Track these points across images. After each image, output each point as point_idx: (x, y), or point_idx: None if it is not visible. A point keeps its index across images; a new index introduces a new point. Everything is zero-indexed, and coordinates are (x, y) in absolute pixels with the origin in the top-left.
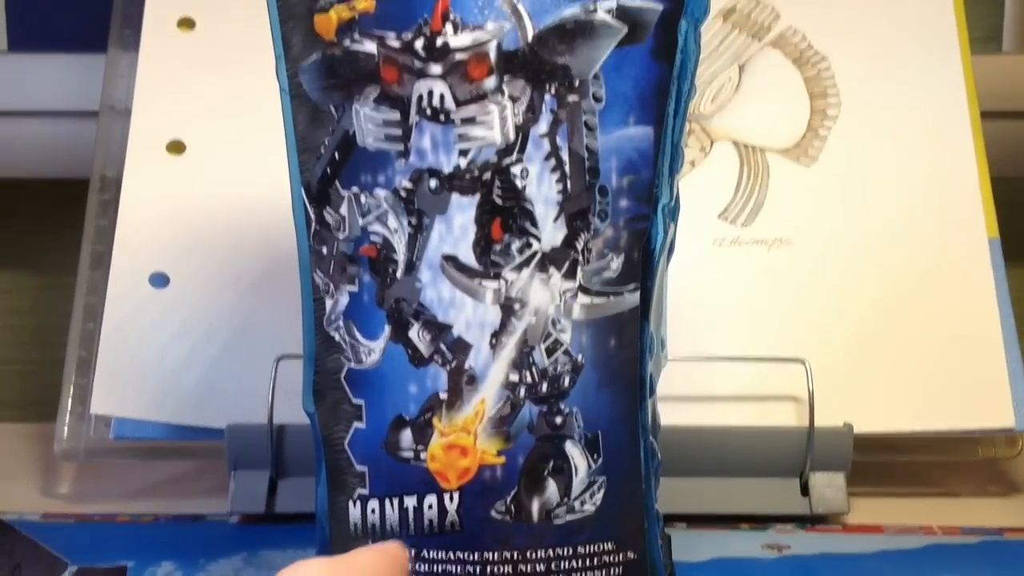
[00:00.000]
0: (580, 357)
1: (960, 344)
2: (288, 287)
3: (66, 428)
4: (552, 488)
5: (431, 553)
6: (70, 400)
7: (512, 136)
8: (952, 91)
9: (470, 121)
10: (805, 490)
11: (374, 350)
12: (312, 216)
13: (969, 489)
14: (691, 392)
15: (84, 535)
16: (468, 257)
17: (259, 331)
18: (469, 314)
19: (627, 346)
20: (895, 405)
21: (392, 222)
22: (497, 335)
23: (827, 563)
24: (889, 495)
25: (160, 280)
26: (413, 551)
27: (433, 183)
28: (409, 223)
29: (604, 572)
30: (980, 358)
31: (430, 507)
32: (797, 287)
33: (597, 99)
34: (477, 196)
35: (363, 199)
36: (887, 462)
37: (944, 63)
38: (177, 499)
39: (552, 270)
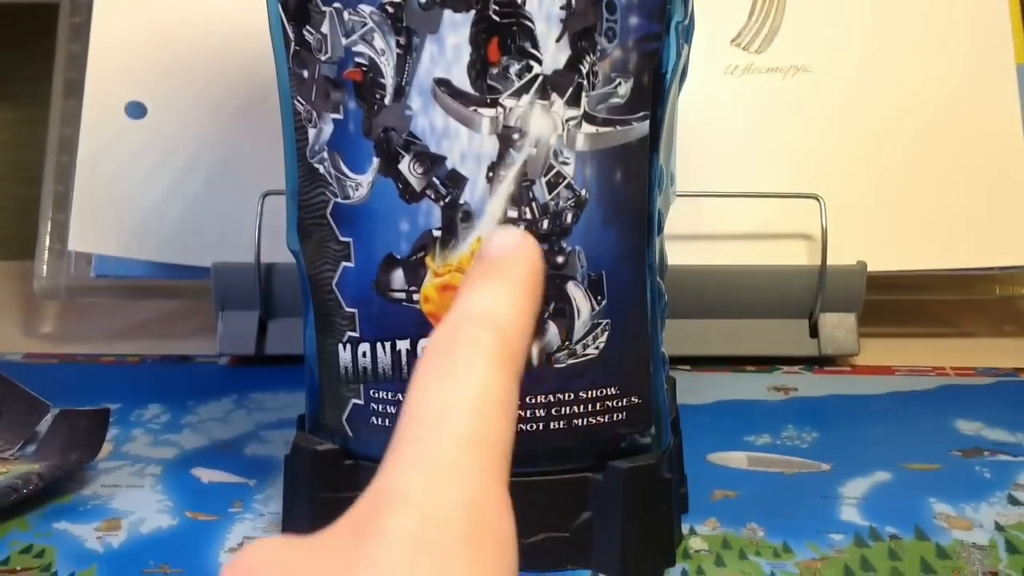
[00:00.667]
0: (584, 191)
1: (982, 177)
2: (275, 116)
3: (45, 265)
4: (553, 331)
5: None
6: (48, 236)
7: None
8: None
9: None
10: (814, 331)
11: (362, 184)
12: (291, 35)
13: (984, 329)
14: (699, 230)
15: (68, 376)
16: (462, 81)
17: (244, 164)
18: (464, 145)
19: (634, 180)
20: (912, 242)
21: (378, 42)
22: (494, 167)
23: (835, 405)
24: (901, 335)
25: (137, 109)
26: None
27: None
28: (397, 43)
29: (607, 417)
30: (1002, 192)
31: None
32: (813, 118)
33: None
34: (472, 12)
35: (346, 15)
36: (900, 301)
37: None
38: (164, 340)
39: (554, 96)
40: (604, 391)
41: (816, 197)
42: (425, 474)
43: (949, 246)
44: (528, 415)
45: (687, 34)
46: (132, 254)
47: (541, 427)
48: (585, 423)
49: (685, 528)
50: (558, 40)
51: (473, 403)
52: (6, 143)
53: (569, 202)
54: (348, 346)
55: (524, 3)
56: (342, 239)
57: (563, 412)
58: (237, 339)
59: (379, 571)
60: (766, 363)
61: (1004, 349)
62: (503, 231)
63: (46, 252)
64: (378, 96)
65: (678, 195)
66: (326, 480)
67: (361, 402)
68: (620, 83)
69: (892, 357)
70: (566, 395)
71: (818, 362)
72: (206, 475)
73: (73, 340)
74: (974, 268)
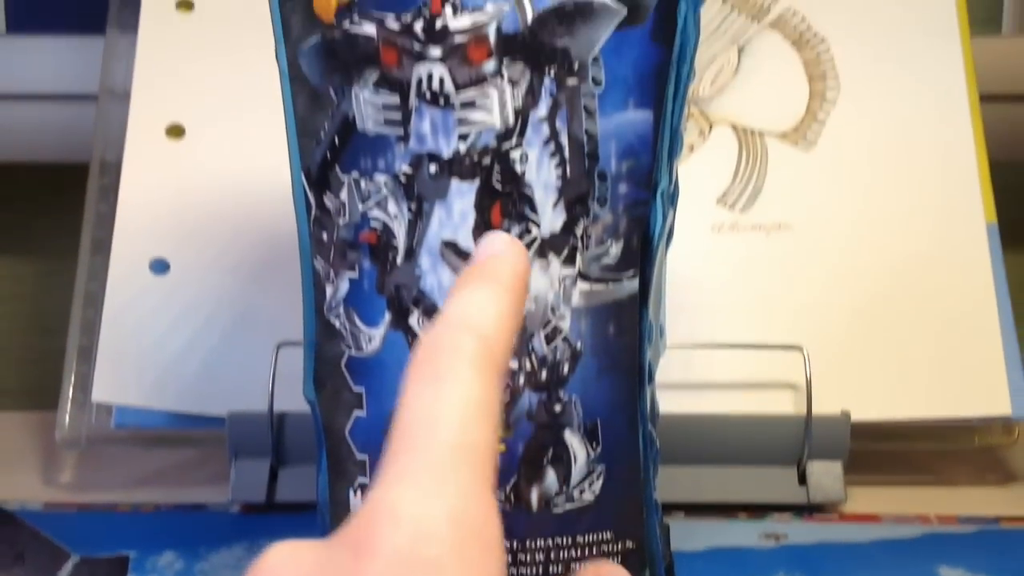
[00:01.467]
0: (579, 344)
1: (957, 331)
2: (288, 273)
3: (68, 416)
4: (551, 477)
5: None
6: (71, 388)
7: (512, 120)
8: (951, 74)
9: (470, 105)
10: (803, 478)
11: (374, 337)
12: (312, 201)
13: (966, 478)
14: (689, 379)
15: (86, 524)
16: (468, 243)
17: (259, 318)
18: None
19: (626, 333)
20: (892, 392)
21: (392, 207)
22: None
23: (825, 552)
24: (886, 483)
25: (160, 266)
26: None
27: (433, 168)
28: (409, 208)
29: None
30: (977, 345)
31: None
32: (795, 273)
33: (596, 82)
34: (477, 181)
35: (363, 184)
36: (884, 450)
37: (943, 45)
38: (178, 487)
39: (551, 256)
40: (600, 535)
41: (800, 348)
42: (413, 487)
43: (928, 396)
44: (527, 559)
45: (672, 200)
46: (152, 404)
47: (540, 571)
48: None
49: None
50: (555, 206)
51: (457, 409)
52: (27, 295)
53: (565, 354)
54: (359, 491)
55: (523, 173)
56: (355, 389)
57: (561, 556)
58: (249, 487)
59: None
60: (757, 510)
61: (986, 497)
62: (491, 235)
63: (69, 403)
64: (391, 256)
65: (668, 347)
66: None
67: None
68: (611, 244)
69: (878, 504)
70: (564, 539)
71: (807, 509)
72: None
73: (91, 489)
74: (953, 418)
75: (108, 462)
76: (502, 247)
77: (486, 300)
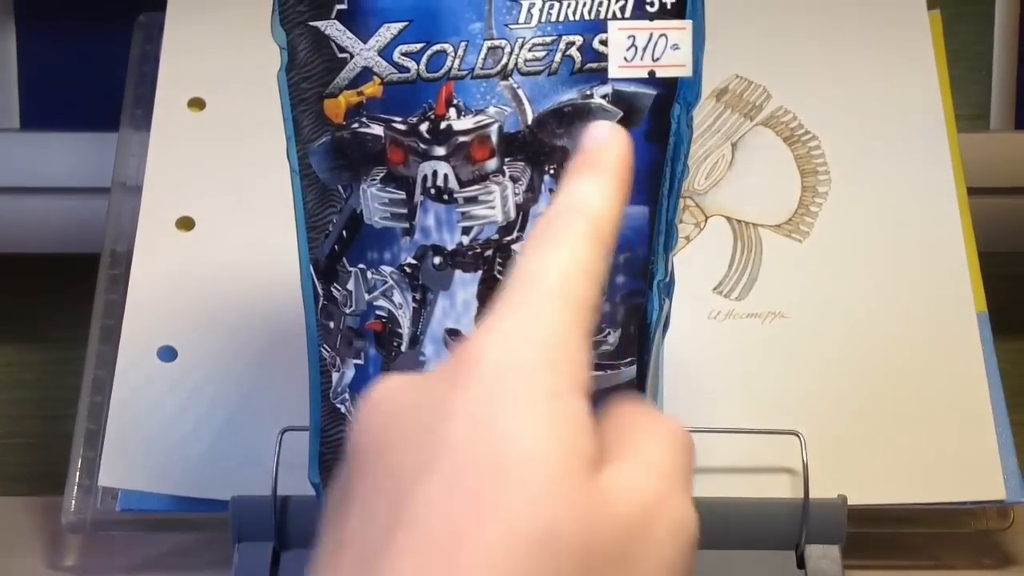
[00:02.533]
0: None
1: (951, 417)
2: (292, 361)
3: (73, 500)
4: None
5: None
6: (78, 472)
7: (513, 214)
8: (940, 168)
9: (472, 201)
10: (801, 562)
11: None
12: (320, 291)
13: (964, 562)
14: None
15: None
16: (470, 331)
17: (264, 404)
18: None
19: None
20: (888, 477)
21: (397, 297)
22: None
23: None
24: (884, 568)
25: (168, 354)
26: None
27: (437, 260)
28: (413, 298)
29: None
30: (970, 431)
31: None
32: (791, 360)
33: None
34: (479, 272)
35: (369, 275)
36: (882, 534)
37: (932, 141)
38: (182, 572)
39: None
40: None
41: (796, 433)
42: (516, 315)
43: (923, 481)
44: None
45: (668, 290)
46: (157, 488)
47: None
48: None
49: None
50: None
51: (562, 266)
52: (34, 382)
53: None
54: None
55: None
56: None
57: None
58: (251, 570)
59: (472, 391)
60: None
61: None
62: (597, 125)
63: (75, 488)
64: (395, 344)
65: None
66: None
67: None
68: (609, 333)
69: None
70: None
71: None
72: None
73: (95, 573)
74: (948, 502)
75: (112, 546)
76: (606, 134)
77: (595, 186)
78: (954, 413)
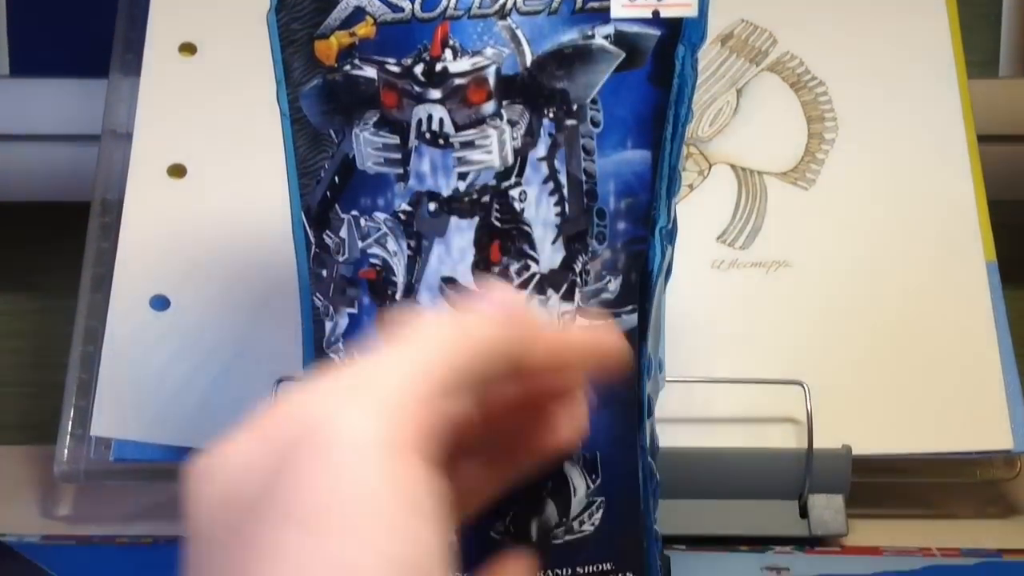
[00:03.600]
0: None
1: (958, 366)
2: (287, 309)
3: (66, 450)
4: (551, 509)
5: None
6: (70, 422)
7: (511, 160)
8: (949, 115)
9: (469, 145)
10: (804, 512)
11: None
12: (312, 239)
13: (968, 511)
14: (689, 414)
15: (84, 557)
16: (467, 279)
17: (259, 353)
18: None
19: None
20: (893, 427)
21: (391, 245)
22: None
23: None
24: (888, 516)
25: (160, 303)
26: None
27: (432, 206)
28: (408, 246)
29: None
30: (978, 380)
31: None
32: (795, 309)
33: (595, 123)
34: (476, 219)
35: (362, 222)
36: (886, 484)
37: (941, 87)
38: (177, 521)
39: (550, 292)
40: (600, 567)
41: (800, 383)
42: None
43: (929, 431)
44: None
45: (671, 237)
46: (151, 439)
47: None
48: None
49: None
50: (553, 242)
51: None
52: (27, 331)
53: None
54: None
55: (523, 211)
56: None
57: None
58: None
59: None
60: (758, 543)
61: (988, 530)
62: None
63: (68, 437)
64: (390, 293)
65: (668, 380)
66: None
67: None
68: (610, 280)
69: (880, 538)
70: (564, 571)
71: (808, 542)
72: None
73: (90, 522)
74: (954, 452)
75: (106, 496)
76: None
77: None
78: (961, 362)
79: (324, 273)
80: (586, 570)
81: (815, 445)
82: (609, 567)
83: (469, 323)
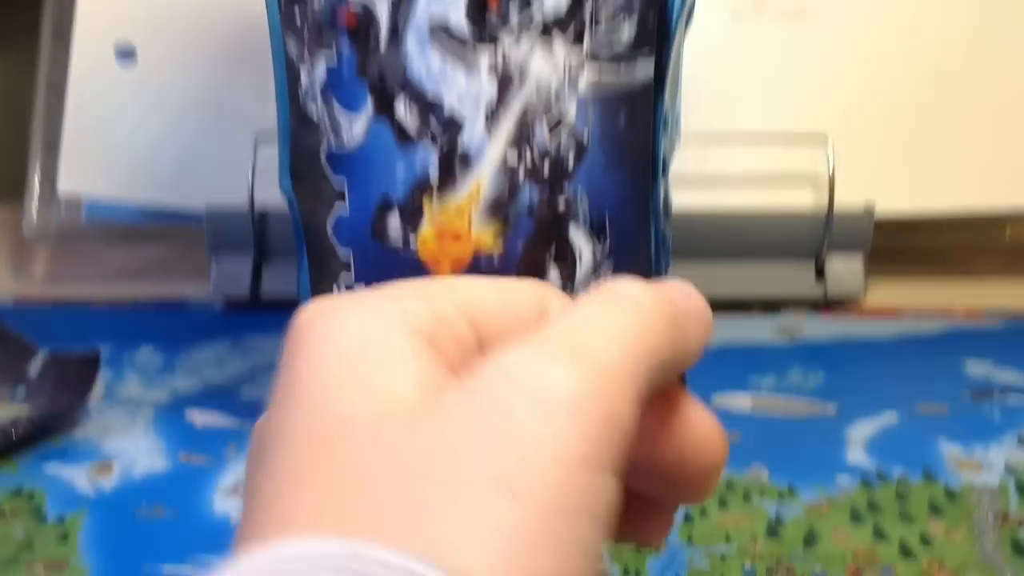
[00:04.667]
0: (586, 136)
1: (991, 119)
2: (265, 58)
3: (35, 210)
4: (554, 274)
5: None
6: (37, 180)
7: None
8: None
9: None
10: (821, 273)
11: (356, 127)
12: None
13: (994, 270)
14: (705, 172)
15: (58, 319)
16: (460, 23)
17: (237, 106)
18: (462, 87)
19: (639, 123)
20: (920, 183)
21: None
22: (493, 111)
23: (841, 347)
24: (909, 275)
25: (127, 52)
26: None
27: None
28: None
29: None
30: (1012, 134)
31: None
32: (819, 61)
33: None
34: None
35: None
36: (909, 245)
37: None
38: (157, 283)
39: (556, 36)
40: None
41: (823, 136)
42: None
43: (958, 187)
44: None
45: None
46: (123, 196)
47: None
48: None
49: None
50: None
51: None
52: None
53: (571, 146)
54: (343, 289)
55: None
56: (336, 184)
57: None
58: (231, 283)
59: None
60: (772, 305)
61: (1014, 291)
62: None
63: (36, 196)
64: (373, 40)
65: (684, 137)
66: None
67: None
68: (624, 22)
69: (899, 299)
70: None
71: (824, 304)
72: (200, 418)
73: (65, 283)
74: (983, 209)
75: (82, 257)
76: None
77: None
78: (995, 116)
79: (297, 16)
80: None
81: (836, 203)
82: None
83: (665, 309)
